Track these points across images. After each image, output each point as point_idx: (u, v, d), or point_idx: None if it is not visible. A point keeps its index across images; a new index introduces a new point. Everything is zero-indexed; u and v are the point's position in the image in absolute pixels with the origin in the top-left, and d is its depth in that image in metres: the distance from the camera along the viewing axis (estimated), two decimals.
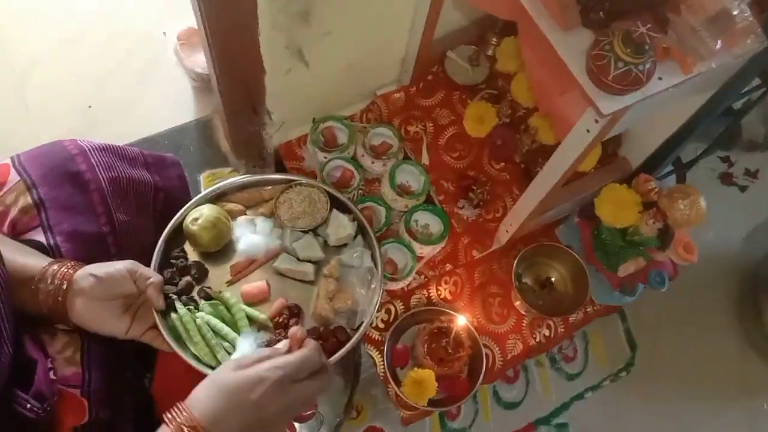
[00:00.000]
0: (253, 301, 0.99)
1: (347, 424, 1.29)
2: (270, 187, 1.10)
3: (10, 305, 0.73)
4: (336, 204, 1.09)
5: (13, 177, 0.89)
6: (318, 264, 1.04)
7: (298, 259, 1.03)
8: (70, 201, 0.89)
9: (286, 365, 0.74)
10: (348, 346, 0.97)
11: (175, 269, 0.99)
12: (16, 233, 0.87)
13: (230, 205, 1.07)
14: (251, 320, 0.96)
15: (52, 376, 0.79)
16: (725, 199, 1.70)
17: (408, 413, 1.24)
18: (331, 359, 0.95)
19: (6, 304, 0.72)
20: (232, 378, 0.71)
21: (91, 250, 0.89)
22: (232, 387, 0.71)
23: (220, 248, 1.03)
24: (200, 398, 0.70)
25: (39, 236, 0.87)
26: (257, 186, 1.10)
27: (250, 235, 1.04)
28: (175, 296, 0.95)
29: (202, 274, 1.01)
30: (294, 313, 1.00)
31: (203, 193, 1.06)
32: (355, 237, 1.07)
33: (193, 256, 1.03)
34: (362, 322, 1.00)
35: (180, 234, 1.03)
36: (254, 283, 1.00)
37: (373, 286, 1.03)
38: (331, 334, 0.99)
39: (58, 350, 0.82)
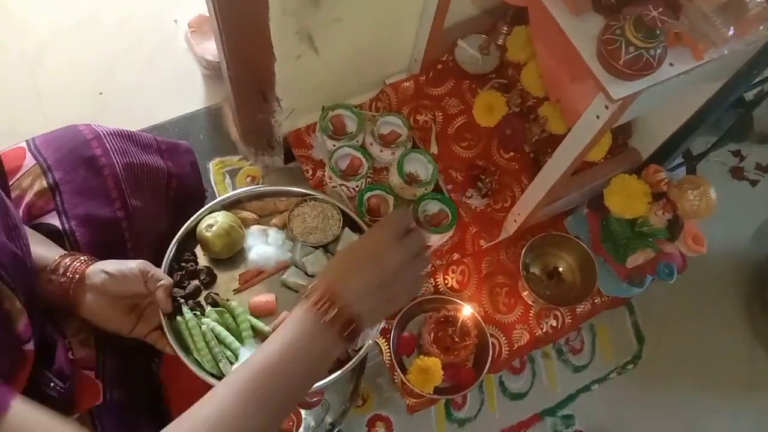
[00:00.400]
0: (259, 312, 0.99)
1: (353, 412, 1.29)
2: (285, 199, 1.11)
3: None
4: (348, 222, 1.10)
5: (29, 161, 0.90)
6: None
7: (307, 274, 1.04)
8: (85, 185, 0.89)
9: (387, 220, 0.79)
10: (347, 367, 0.97)
11: (184, 272, 1.00)
12: (32, 216, 0.88)
13: (244, 213, 1.08)
14: (256, 332, 0.96)
15: (70, 356, 0.80)
16: (736, 193, 1.69)
17: (413, 401, 1.24)
18: (329, 378, 0.95)
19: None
20: (349, 246, 0.81)
21: (104, 235, 0.90)
22: (348, 251, 0.79)
23: (230, 255, 1.03)
24: (327, 270, 0.77)
25: (54, 220, 0.88)
26: (273, 196, 1.11)
27: (262, 245, 1.05)
28: (182, 300, 0.95)
29: (210, 280, 1.02)
30: None
31: (219, 199, 1.07)
32: None
33: (203, 260, 1.04)
34: (363, 345, 1.00)
35: (192, 236, 1.03)
36: (263, 296, 1.00)
37: None
38: None
39: (73, 333, 0.83)
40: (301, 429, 1.20)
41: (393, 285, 0.73)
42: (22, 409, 0.58)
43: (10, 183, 0.88)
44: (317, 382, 0.74)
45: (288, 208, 1.09)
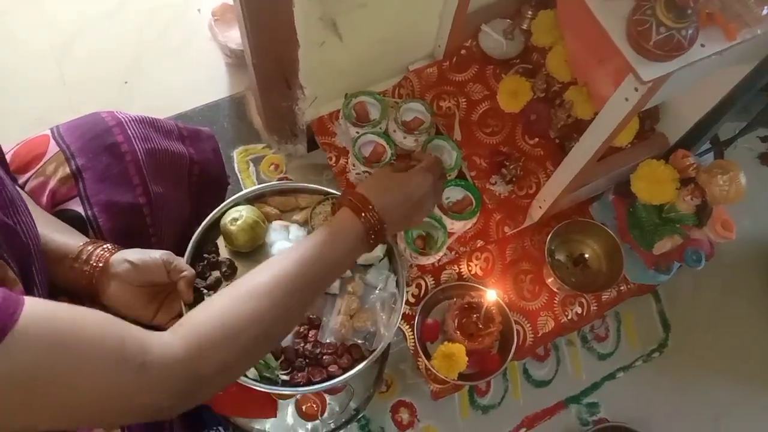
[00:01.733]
0: None
1: (377, 397, 1.30)
2: (307, 196, 1.11)
3: (42, 260, 0.74)
4: None
5: (53, 147, 0.91)
6: (343, 279, 1.05)
7: None
8: (107, 172, 0.90)
9: (426, 166, 0.98)
10: (361, 366, 0.98)
11: (206, 263, 1.01)
12: (55, 203, 0.89)
13: (267, 208, 1.08)
14: None
15: None
16: (765, 179, 1.66)
17: (438, 387, 1.24)
18: (343, 377, 0.98)
19: (38, 258, 0.73)
20: (393, 177, 0.95)
21: (126, 221, 0.90)
22: (386, 176, 0.96)
23: (252, 249, 1.04)
24: (373, 189, 0.90)
25: (77, 207, 0.88)
26: (295, 193, 1.12)
27: (284, 241, 1.05)
28: (204, 290, 0.96)
29: (231, 272, 1.02)
30: (314, 324, 1.02)
31: (242, 192, 1.08)
32: (382, 259, 1.08)
33: (224, 252, 1.05)
34: (378, 345, 1.01)
35: (215, 228, 1.04)
36: None
37: (394, 312, 1.04)
38: (346, 350, 1.01)
39: None
40: (326, 414, 1.21)
41: (410, 200, 0.92)
42: (35, 311, 0.56)
43: (35, 169, 0.89)
44: (344, 271, 0.93)
45: (310, 205, 1.10)
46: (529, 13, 1.32)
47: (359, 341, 1.03)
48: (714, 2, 0.81)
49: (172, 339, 0.66)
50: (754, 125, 1.30)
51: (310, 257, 0.79)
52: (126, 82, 1.59)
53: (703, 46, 0.81)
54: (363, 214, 0.85)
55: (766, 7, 0.82)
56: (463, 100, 1.35)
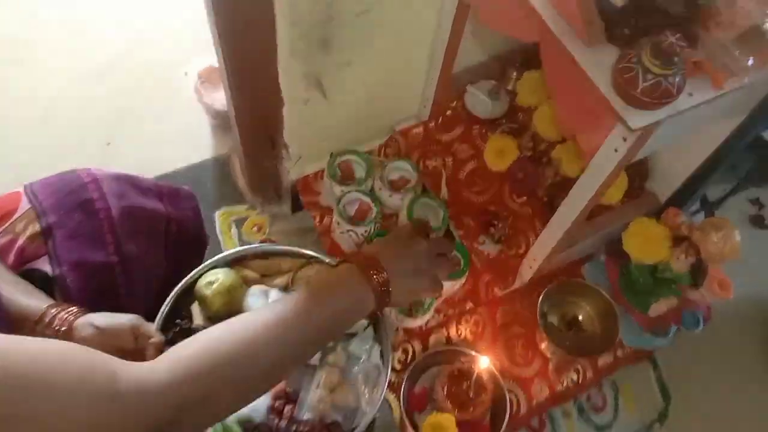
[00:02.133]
0: None
1: None
2: (289, 259, 1.07)
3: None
4: None
5: (25, 204, 0.88)
6: (323, 349, 0.99)
7: None
8: (79, 229, 0.87)
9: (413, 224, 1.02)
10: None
11: (178, 330, 0.95)
12: (24, 261, 0.86)
13: (246, 272, 1.03)
14: None
15: None
16: (757, 242, 1.64)
17: None
18: None
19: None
20: (393, 234, 0.91)
21: (97, 281, 0.87)
22: (392, 238, 0.89)
23: (229, 316, 0.99)
24: (371, 246, 0.88)
25: (45, 265, 0.85)
26: (277, 256, 1.07)
27: None
28: None
29: None
30: (291, 399, 0.96)
31: (221, 255, 1.03)
32: (367, 327, 1.03)
33: (198, 318, 0.99)
34: (360, 423, 0.94)
35: (190, 293, 0.99)
36: None
37: (378, 386, 0.98)
38: (325, 429, 0.94)
39: None
40: None
41: (419, 271, 0.84)
42: None
43: (4, 227, 0.87)
44: (347, 327, 0.85)
45: (292, 269, 1.05)
46: (514, 74, 1.33)
47: (339, 419, 0.96)
48: (699, 51, 0.81)
49: (154, 366, 0.62)
50: (744, 185, 1.29)
51: (310, 299, 0.75)
52: (109, 144, 1.58)
53: (690, 95, 0.80)
54: (371, 272, 0.79)
55: (752, 58, 0.81)
56: (450, 159, 1.33)
